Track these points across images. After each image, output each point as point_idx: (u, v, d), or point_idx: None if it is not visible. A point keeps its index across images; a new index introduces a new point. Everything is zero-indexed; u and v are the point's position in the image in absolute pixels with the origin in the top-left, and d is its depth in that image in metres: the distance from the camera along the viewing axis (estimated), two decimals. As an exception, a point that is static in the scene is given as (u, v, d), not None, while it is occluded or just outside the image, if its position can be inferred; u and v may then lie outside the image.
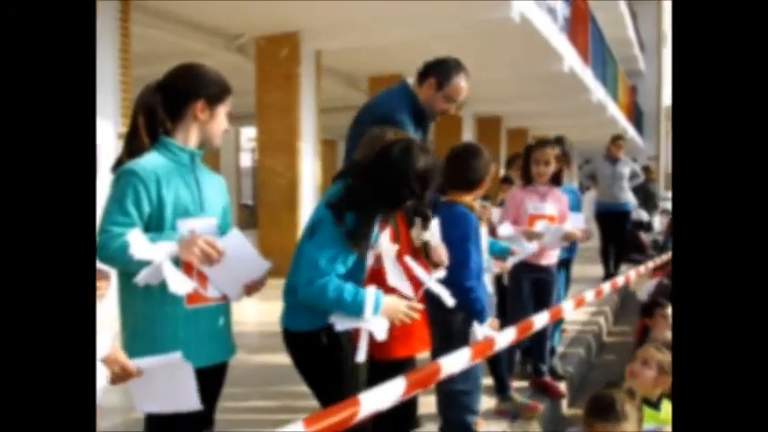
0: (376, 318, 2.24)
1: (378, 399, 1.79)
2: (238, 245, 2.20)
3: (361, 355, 2.36)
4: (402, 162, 2.35)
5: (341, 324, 2.30)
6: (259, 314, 5.98)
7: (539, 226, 4.06)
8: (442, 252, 2.79)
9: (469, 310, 2.92)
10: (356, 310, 2.23)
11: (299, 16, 7.90)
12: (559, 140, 4.52)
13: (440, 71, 3.30)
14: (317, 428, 1.57)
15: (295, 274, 2.41)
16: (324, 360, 2.39)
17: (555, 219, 4.18)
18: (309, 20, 8.06)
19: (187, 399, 1.97)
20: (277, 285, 2.46)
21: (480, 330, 2.83)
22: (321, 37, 8.52)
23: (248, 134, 18.45)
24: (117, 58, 6.02)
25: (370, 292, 2.25)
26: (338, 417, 1.68)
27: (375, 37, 8.47)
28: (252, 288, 2.31)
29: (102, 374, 1.75)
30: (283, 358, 2.46)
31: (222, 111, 2.29)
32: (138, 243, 1.99)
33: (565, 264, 5.03)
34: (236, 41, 8.59)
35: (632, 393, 2.79)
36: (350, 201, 2.32)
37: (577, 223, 4.42)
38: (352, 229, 2.28)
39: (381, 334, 2.30)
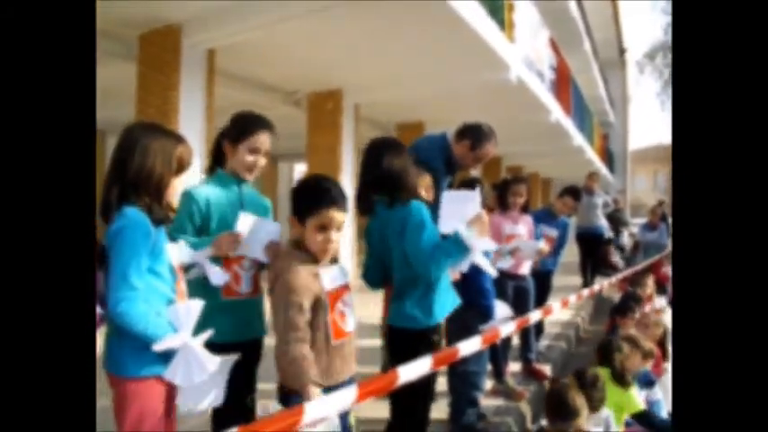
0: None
1: (411, 372, 1.84)
2: (249, 223, 2.18)
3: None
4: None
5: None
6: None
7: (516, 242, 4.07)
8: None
9: (485, 305, 2.94)
10: (462, 249, 2.23)
11: (342, 77, 8.02)
12: (527, 179, 4.56)
13: (475, 135, 3.20)
14: (368, 390, 1.63)
15: (403, 273, 2.37)
16: (432, 349, 2.31)
17: (526, 237, 4.22)
18: (350, 80, 8.17)
19: (218, 396, 1.88)
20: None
21: (493, 322, 2.86)
22: (359, 93, 8.60)
23: (300, 169, 18.72)
24: (204, 113, 6.13)
25: (461, 231, 2.25)
26: (382, 382, 1.75)
27: (401, 93, 8.51)
28: (273, 247, 2.22)
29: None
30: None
31: (242, 148, 2.27)
32: (179, 250, 2.00)
33: (547, 275, 5.00)
34: (292, 97, 8.69)
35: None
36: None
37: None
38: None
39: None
